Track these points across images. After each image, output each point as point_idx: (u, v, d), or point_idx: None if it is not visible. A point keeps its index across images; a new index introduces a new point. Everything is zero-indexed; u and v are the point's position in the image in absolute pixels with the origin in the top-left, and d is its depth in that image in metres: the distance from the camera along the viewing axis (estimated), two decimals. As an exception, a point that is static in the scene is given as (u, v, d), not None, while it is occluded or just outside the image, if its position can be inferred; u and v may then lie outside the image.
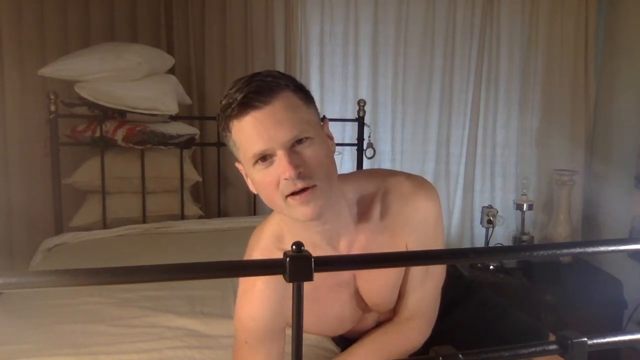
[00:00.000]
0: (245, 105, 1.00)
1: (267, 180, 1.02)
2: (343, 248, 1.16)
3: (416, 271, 1.21)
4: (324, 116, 1.12)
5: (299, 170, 0.99)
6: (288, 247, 1.19)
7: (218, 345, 1.47)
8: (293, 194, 1.01)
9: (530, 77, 3.07)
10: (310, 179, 1.01)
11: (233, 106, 1.00)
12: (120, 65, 2.42)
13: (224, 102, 1.03)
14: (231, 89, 1.02)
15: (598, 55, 3.04)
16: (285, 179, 1.00)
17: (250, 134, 1.00)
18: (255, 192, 1.10)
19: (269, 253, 1.16)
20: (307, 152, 1.01)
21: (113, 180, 2.56)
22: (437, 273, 1.24)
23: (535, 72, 3.07)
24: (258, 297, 1.14)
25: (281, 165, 0.99)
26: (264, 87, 1.00)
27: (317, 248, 1.13)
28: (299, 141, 1.01)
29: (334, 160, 1.09)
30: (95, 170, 2.53)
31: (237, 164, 1.12)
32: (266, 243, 1.18)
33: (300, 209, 1.02)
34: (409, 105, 3.06)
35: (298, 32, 2.94)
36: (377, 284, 1.21)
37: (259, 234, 1.21)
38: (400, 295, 1.25)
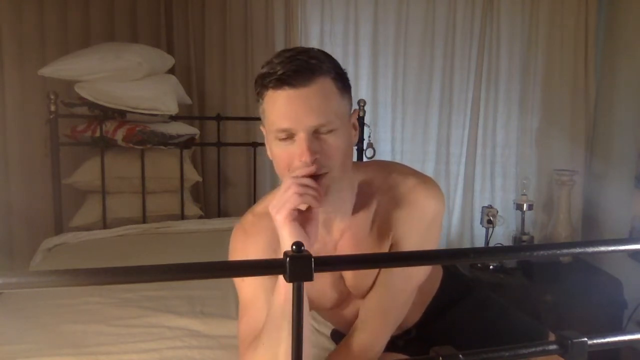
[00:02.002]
0: (282, 81, 1.02)
1: (283, 155, 1.05)
2: (336, 233, 1.18)
3: (393, 268, 1.17)
4: (356, 109, 1.14)
5: (315, 157, 1.02)
6: None
7: (218, 345, 1.47)
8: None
9: (530, 77, 3.07)
10: (325, 166, 1.04)
11: (271, 78, 1.03)
12: (120, 65, 2.42)
13: (264, 70, 1.05)
14: (275, 58, 1.04)
15: (598, 55, 3.04)
16: (300, 161, 1.02)
17: (279, 109, 1.03)
18: (270, 157, 1.12)
19: (264, 214, 1.17)
20: (327, 141, 1.04)
21: (113, 180, 2.56)
22: (413, 277, 1.19)
23: (535, 72, 3.07)
24: (252, 246, 1.17)
25: (299, 147, 1.02)
26: (306, 68, 1.02)
27: None
28: (323, 129, 1.03)
29: (351, 151, 1.12)
30: (95, 170, 2.54)
31: (261, 127, 1.15)
32: (264, 207, 1.19)
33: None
34: (409, 105, 3.06)
35: (298, 32, 2.94)
36: None
37: (267, 195, 1.25)
38: (372, 283, 1.21)
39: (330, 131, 1.04)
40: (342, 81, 1.08)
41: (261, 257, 1.15)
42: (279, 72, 1.02)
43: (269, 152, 1.12)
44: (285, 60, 1.02)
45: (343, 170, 1.07)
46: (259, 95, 1.07)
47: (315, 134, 1.03)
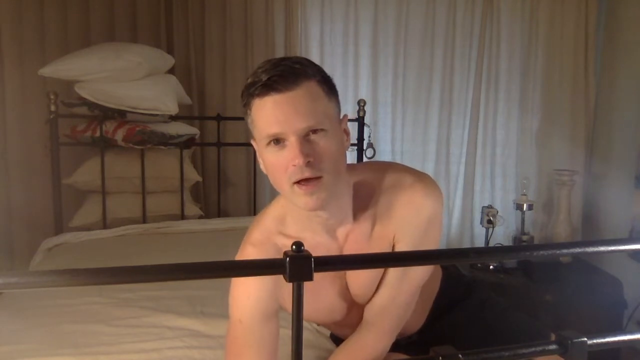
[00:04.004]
0: (268, 87, 1.02)
1: (277, 162, 1.05)
2: (340, 237, 1.17)
3: (394, 269, 1.18)
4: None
5: (308, 160, 1.01)
6: (288, 230, 1.17)
7: (218, 345, 1.47)
8: (299, 181, 1.03)
9: (530, 77, 3.07)
10: (318, 170, 1.03)
11: (257, 85, 1.03)
12: (120, 65, 2.42)
13: (249, 80, 1.05)
14: (259, 68, 1.05)
15: (598, 55, 3.04)
16: (294, 166, 1.02)
17: (268, 115, 1.03)
18: (265, 171, 1.12)
19: (268, 234, 1.18)
20: (319, 143, 1.03)
21: (113, 180, 2.56)
22: (415, 277, 1.20)
23: (535, 72, 3.07)
24: (253, 277, 1.15)
25: (292, 152, 1.02)
26: (290, 72, 1.02)
27: (315, 235, 1.15)
28: (313, 131, 1.03)
29: (344, 155, 1.11)
30: (95, 170, 2.54)
31: (252, 141, 1.14)
32: (267, 224, 1.20)
33: (304, 198, 1.04)
34: (409, 105, 3.06)
35: (298, 32, 2.94)
36: (361, 276, 1.20)
37: (262, 215, 1.24)
38: (375, 289, 1.21)
39: (320, 132, 1.03)
40: (327, 85, 1.08)
41: (263, 288, 1.14)
42: (263, 79, 1.02)
43: (262, 166, 1.11)
44: (269, 68, 1.03)
45: (336, 175, 1.07)
46: (247, 106, 1.07)
47: (306, 137, 1.03)
